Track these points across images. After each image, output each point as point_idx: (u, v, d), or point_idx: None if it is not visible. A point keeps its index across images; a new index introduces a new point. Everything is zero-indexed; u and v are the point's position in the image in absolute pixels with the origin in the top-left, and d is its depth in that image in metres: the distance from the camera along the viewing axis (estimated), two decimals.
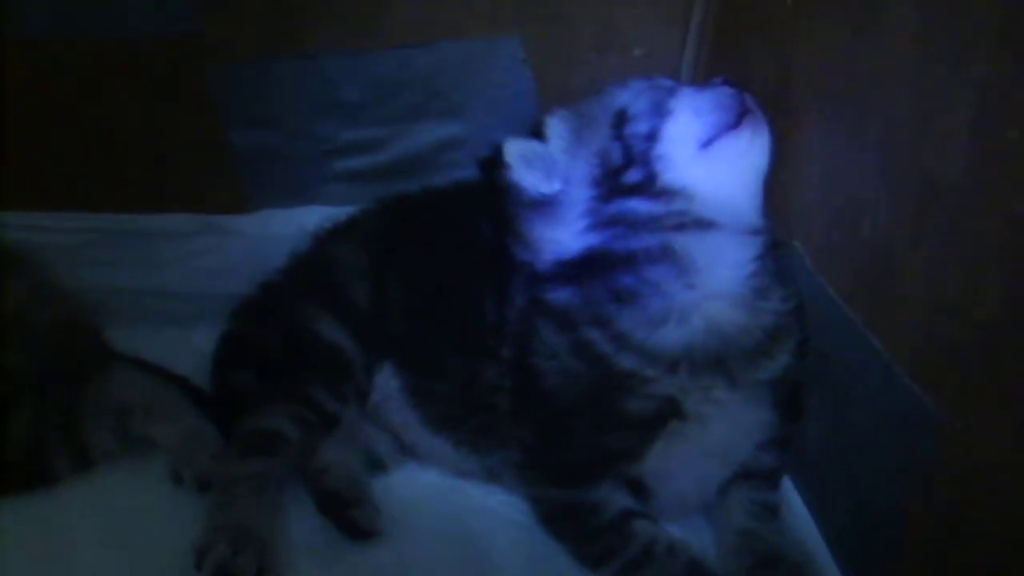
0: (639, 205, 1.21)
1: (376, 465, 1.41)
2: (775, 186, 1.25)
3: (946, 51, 1.02)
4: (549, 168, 1.23)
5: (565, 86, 1.52)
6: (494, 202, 1.27)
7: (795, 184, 1.31)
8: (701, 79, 1.50)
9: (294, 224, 1.56)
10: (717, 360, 1.21)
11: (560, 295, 1.26)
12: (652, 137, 1.22)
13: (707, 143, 1.21)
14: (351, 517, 1.30)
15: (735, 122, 1.22)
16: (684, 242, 1.21)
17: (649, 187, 1.21)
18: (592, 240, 1.23)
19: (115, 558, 1.24)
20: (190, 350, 1.51)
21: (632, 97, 1.26)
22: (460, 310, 1.37)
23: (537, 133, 1.26)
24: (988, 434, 0.97)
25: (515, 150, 1.24)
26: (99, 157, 1.51)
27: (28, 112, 1.46)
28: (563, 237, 1.24)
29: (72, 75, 1.45)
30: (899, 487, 1.11)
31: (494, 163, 1.25)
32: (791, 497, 1.35)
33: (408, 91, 1.55)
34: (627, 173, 1.22)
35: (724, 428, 1.24)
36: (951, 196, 1.01)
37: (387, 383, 1.41)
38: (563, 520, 1.30)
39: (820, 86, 1.29)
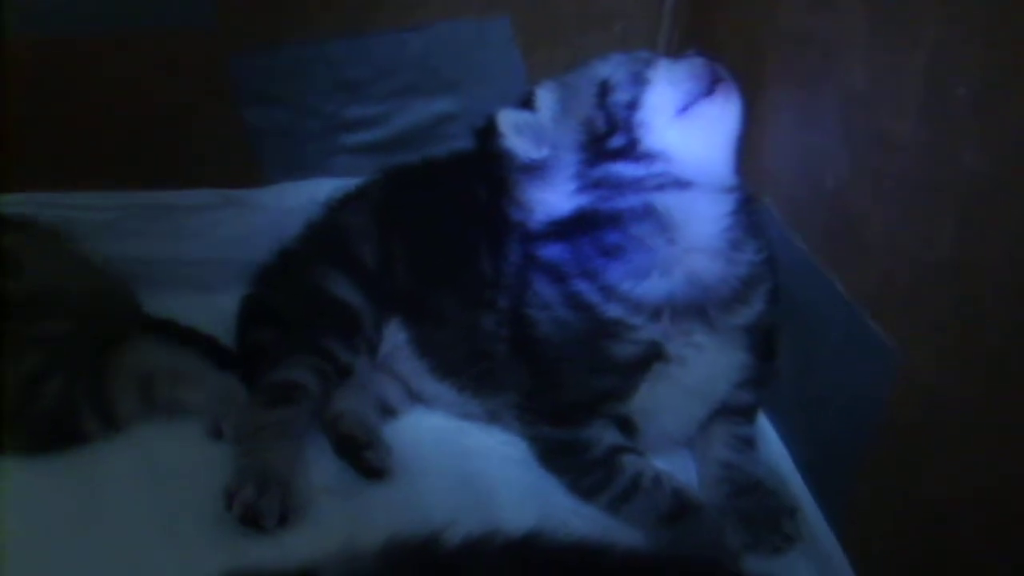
0: (623, 168, 1.21)
1: (387, 411, 1.40)
2: (746, 147, 1.25)
3: (896, 17, 1.02)
4: (539, 135, 1.23)
5: (550, 61, 1.50)
6: (489, 168, 1.27)
7: (764, 145, 1.31)
8: (676, 53, 1.47)
9: (307, 195, 1.55)
10: (697, 308, 1.22)
11: (552, 251, 1.26)
12: (633, 105, 1.21)
13: (683, 110, 1.21)
14: (365, 458, 1.29)
15: (709, 90, 1.21)
16: (665, 201, 1.21)
17: (631, 151, 1.21)
18: (580, 200, 1.23)
19: (152, 500, 1.23)
20: (216, 312, 1.49)
21: (613, 69, 1.25)
22: (460, 268, 1.36)
23: (527, 104, 1.25)
24: (940, 367, 0.98)
25: (508, 120, 1.23)
26: (128, 139, 1.49)
27: (62, 101, 1.44)
28: (553, 198, 1.24)
29: (101, 66, 1.43)
30: (862, 416, 1.12)
31: (489, 132, 1.24)
32: (766, 430, 1.36)
33: (406, 70, 1.53)
34: (611, 139, 1.21)
35: (704, 369, 1.24)
36: (905, 150, 1.02)
37: (395, 336, 1.40)
38: (558, 456, 1.30)
39: (784, 56, 1.28)
